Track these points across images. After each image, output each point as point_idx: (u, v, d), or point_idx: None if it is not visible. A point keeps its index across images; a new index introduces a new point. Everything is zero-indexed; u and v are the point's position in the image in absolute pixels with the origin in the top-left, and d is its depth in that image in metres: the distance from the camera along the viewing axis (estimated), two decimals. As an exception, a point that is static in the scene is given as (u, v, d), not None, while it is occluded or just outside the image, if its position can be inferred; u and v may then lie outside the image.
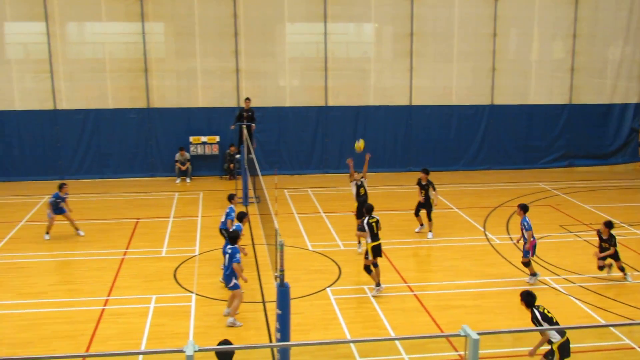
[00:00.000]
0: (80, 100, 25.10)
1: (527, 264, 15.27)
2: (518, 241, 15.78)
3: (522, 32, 26.79)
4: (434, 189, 18.31)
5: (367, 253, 14.72)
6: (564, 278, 15.58)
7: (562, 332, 10.67)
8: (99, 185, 24.63)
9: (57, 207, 18.36)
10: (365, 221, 14.74)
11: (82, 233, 18.72)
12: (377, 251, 14.71)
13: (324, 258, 16.90)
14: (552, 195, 23.13)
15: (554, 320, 10.67)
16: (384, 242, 17.06)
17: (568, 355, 10.71)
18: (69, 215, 18.59)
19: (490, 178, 25.71)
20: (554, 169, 27.08)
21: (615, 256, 15.25)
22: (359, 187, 17.36)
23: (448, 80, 26.56)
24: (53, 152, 25.19)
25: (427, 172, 18.37)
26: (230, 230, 14.15)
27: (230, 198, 16.13)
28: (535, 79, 27.03)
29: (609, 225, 15.24)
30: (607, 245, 15.24)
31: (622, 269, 15.36)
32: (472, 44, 26.32)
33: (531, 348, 10.81)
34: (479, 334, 6.10)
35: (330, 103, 26.12)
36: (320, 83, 26.00)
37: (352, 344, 12.44)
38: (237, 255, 13.09)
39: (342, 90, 26.27)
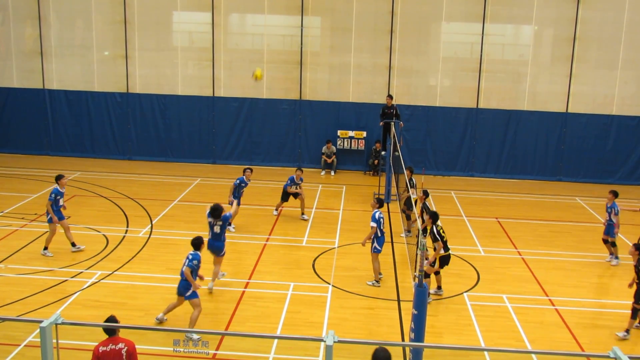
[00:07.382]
0: (237, 89, 26.19)
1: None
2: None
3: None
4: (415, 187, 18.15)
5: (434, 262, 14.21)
6: None
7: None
8: (248, 172, 25.51)
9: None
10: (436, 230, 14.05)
11: (305, 217, 19.62)
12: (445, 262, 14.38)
13: (462, 262, 16.61)
14: None
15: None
16: (532, 252, 16.54)
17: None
18: (302, 197, 19.64)
19: (648, 194, 24.14)
20: None
21: None
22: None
23: (610, 89, 25.17)
24: (208, 137, 26.46)
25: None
26: None
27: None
28: None
29: None
30: None
31: None
32: (640, 51, 24.89)
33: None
34: (631, 358, 5.68)
35: (482, 105, 25.58)
36: (472, 84, 25.52)
37: (485, 353, 12.17)
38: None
39: (495, 92, 25.66)
